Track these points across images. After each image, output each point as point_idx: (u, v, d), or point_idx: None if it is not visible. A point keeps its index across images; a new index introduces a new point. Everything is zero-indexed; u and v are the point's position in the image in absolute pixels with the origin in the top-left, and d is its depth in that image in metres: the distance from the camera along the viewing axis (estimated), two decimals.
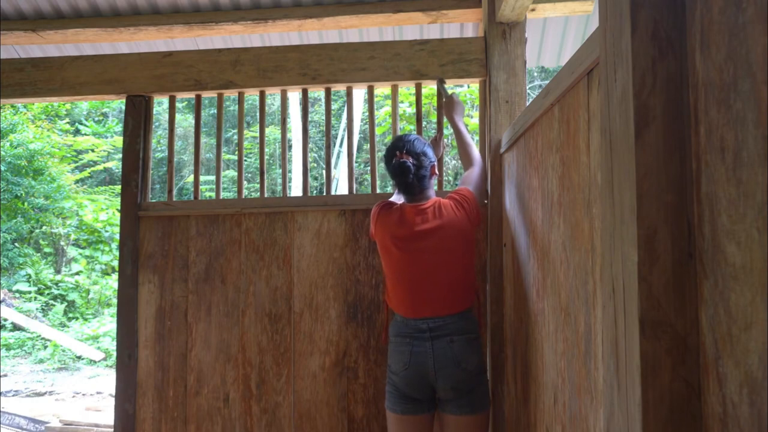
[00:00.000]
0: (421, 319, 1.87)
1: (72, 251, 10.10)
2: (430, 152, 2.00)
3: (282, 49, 2.47)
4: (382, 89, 5.23)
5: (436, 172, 2.04)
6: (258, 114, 2.59)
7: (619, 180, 0.81)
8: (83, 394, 6.09)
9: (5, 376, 6.91)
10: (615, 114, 0.83)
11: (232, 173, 11.51)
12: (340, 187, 8.00)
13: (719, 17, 0.66)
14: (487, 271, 2.29)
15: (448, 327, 1.86)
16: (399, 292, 1.95)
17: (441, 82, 2.39)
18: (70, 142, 10.88)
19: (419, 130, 2.47)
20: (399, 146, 1.97)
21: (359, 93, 6.76)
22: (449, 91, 2.34)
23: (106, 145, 11.42)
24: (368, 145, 2.55)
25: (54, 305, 9.10)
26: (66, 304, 9.26)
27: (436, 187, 2.07)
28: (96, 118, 12.77)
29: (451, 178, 10.25)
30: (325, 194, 2.45)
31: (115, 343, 2.55)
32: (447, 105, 2.27)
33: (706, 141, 0.69)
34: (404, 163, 1.93)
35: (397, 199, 2.17)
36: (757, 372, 0.59)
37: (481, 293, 2.27)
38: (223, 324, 2.40)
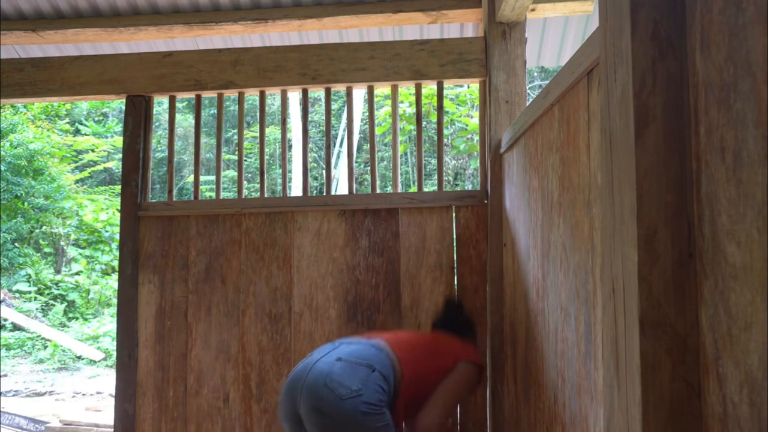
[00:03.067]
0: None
1: (72, 251, 10.09)
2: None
3: (282, 49, 2.47)
4: (382, 89, 5.23)
5: (455, 359, 1.85)
6: (258, 114, 2.59)
7: (619, 180, 0.81)
8: (83, 394, 6.09)
9: (5, 376, 6.91)
10: (615, 114, 0.83)
11: (232, 173, 11.51)
12: (340, 187, 8.00)
13: (719, 17, 0.66)
14: (487, 271, 2.29)
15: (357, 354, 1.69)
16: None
17: None
18: (70, 142, 10.89)
19: (419, 130, 2.47)
20: None
21: (359, 93, 6.76)
22: None
23: (106, 145, 11.42)
24: (368, 145, 2.55)
25: (54, 305, 9.09)
26: (66, 304, 9.25)
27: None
28: (96, 118, 12.77)
29: (450, 178, 10.25)
30: (325, 194, 2.45)
31: (115, 343, 2.55)
32: None
33: (706, 141, 0.69)
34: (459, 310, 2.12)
35: None
36: (757, 372, 0.59)
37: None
38: (223, 324, 2.40)
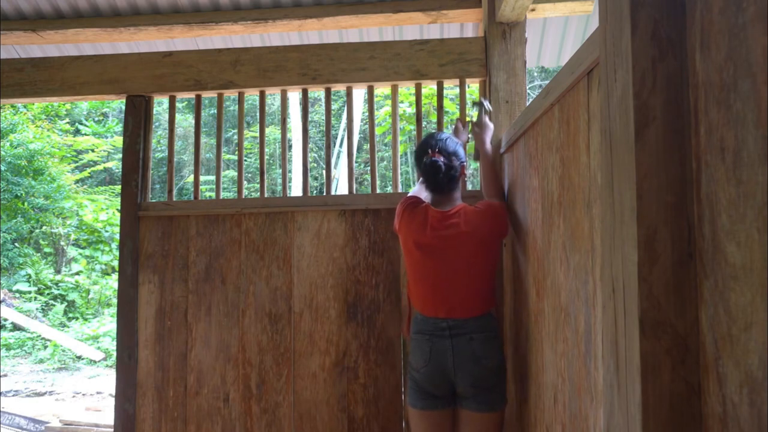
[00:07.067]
0: (441, 318, 1.88)
1: (72, 251, 10.09)
2: (461, 152, 2.01)
3: (282, 49, 2.47)
4: (382, 89, 5.23)
5: (465, 172, 2.05)
6: (258, 114, 2.59)
7: (619, 180, 0.81)
8: (83, 394, 6.09)
9: (5, 376, 6.91)
10: (615, 114, 0.83)
11: (232, 173, 11.50)
12: (340, 187, 7.99)
13: (719, 17, 0.66)
14: None
15: (467, 326, 1.86)
16: (419, 291, 1.96)
17: (480, 105, 2.21)
18: (70, 142, 10.88)
19: (419, 130, 2.47)
20: (431, 144, 1.98)
21: (359, 93, 6.76)
22: (481, 115, 2.18)
23: (106, 145, 11.41)
24: (368, 145, 2.55)
25: (54, 305, 9.09)
26: (66, 304, 9.25)
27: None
28: (96, 118, 12.76)
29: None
30: (325, 194, 2.45)
31: (115, 343, 2.55)
32: (480, 133, 2.16)
33: (706, 141, 0.69)
34: (436, 161, 1.94)
35: (419, 191, 2.16)
36: (757, 372, 0.59)
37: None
38: (223, 324, 2.40)
